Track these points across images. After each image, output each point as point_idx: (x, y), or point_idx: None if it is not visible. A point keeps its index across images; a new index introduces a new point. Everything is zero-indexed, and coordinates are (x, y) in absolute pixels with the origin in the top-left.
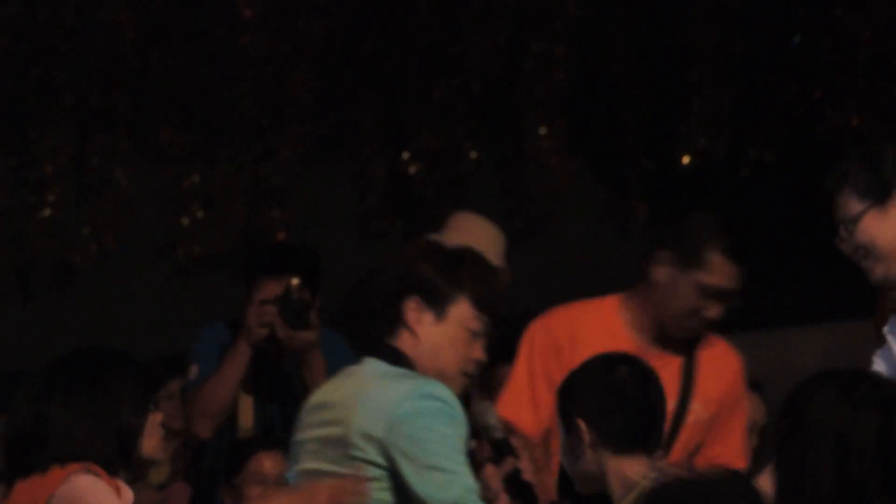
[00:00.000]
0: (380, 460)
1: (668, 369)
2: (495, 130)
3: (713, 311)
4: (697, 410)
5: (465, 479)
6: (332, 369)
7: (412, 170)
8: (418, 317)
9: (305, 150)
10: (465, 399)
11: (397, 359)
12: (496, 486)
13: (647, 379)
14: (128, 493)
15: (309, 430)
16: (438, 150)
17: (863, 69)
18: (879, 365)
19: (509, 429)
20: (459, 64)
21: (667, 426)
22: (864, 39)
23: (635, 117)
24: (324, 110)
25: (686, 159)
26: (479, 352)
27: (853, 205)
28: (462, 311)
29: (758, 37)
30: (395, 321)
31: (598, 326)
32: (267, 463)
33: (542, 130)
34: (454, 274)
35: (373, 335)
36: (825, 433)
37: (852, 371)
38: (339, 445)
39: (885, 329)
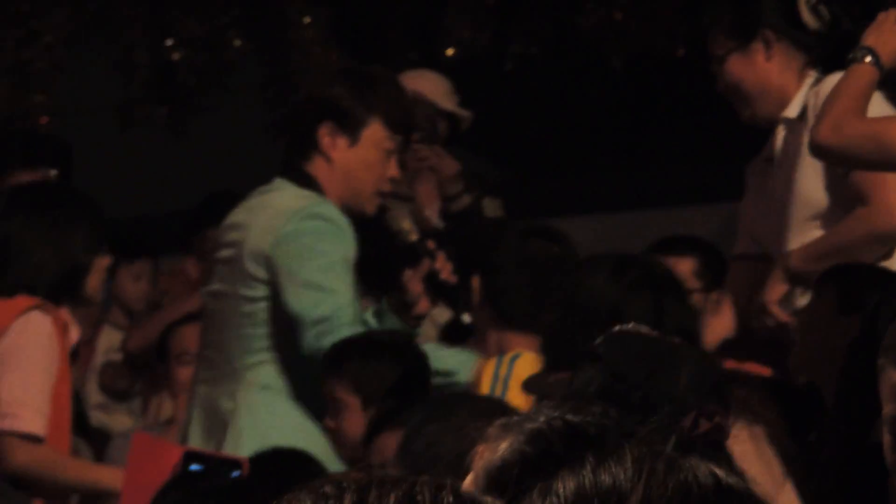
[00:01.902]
0: (266, 276)
1: None
2: (260, 18)
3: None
4: None
5: (340, 298)
6: None
7: (176, 57)
8: (332, 142)
9: (68, 35)
10: (381, 208)
11: (306, 181)
12: (415, 289)
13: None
14: (75, 329)
15: (219, 251)
16: (202, 37)
17: None
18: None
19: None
20: None
21: None
22: None
23: (399, 8)
24: None
25: (450, 51)
26: (393, 169)
27: (720, 44)
28: (375, 133)
29: None
30: (311, 147)
31: None
32: None
33: (307, 19)
34: (366, 97)
35: (288, 159)
36: (598, 313)
37: (622, 254)
38: (235, 265)
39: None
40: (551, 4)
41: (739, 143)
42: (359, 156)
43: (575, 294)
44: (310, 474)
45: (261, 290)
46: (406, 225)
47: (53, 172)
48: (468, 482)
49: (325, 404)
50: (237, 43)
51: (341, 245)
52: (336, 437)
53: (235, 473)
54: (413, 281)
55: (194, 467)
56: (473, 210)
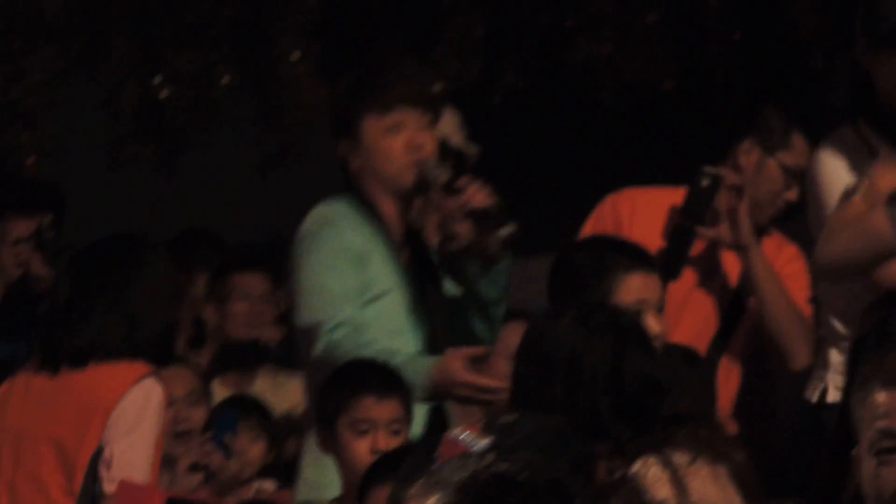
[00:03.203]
0: None
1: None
2: (249, 55)
3: (793, 192)
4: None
5: (330, 296)
6: None
7: (164, 94)
8: (348, 153)
9: (56, 73)
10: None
11: (350, 187)
12: (459, 228)
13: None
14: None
15: None
16: (191, 73)
17: None
18: None
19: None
20: None
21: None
22: None
23: (388, 42)
24: (75, 32)
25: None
26: (413, 136)
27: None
28: (369, 124)
29: None
30: (344, 165)
31: (657, 207)
32: None
33: (296, 55)
34: (351, 96)
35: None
36: (559, 358)
37: (591, 301)
38: None
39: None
40: (540, 37)
41: None
42: (368, 152)
43: (539, 339)
44: None
45: None
46: (435, 171)
47: (48, 218)
48: None
49: None
50: (226, 79)
51: (333, 240)
52: None
53: None
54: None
55: None
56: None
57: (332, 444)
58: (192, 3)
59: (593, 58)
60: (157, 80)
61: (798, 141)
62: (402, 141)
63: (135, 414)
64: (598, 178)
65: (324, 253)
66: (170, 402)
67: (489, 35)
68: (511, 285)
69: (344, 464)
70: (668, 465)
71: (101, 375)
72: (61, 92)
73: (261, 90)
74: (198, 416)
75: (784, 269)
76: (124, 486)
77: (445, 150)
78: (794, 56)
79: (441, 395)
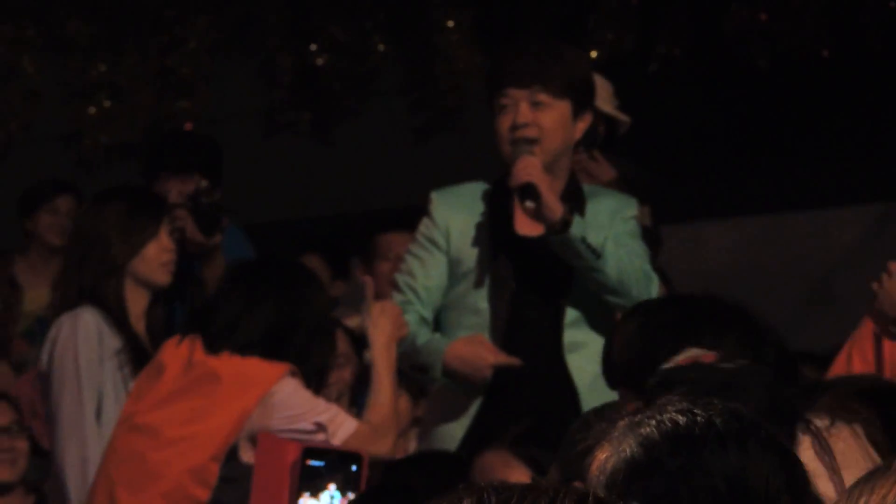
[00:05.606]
0: None
1: None
2: (403, 23)
3: None
4: None
5: (404, 280)
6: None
7: (320, 62)
8: None
9: (212, 41)
10: None
11: None
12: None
13: None
14: None
15: None
16: (346, 42)
17: None
18: None
19: None
20: None
21: None
22: None
23: (542, 11)
24: (231, 1)
25: (594, 53)
26: (514, 119)
27: None
28: (492, 104)
29: None
30: None
31: None
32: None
33: (450, 23)
34: (488, 77)
35: None
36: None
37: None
38: None
39: None
40: (695, 6)
41: (887, 144)
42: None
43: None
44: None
45: None
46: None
47: (204, 183)
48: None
49: None
50: (381, 47)
51: (421, 227)
52: None
53: (354, 467)
54: None
55: (314, 463)
56: None
57: None
58: None
59: (749, 25)
60: (313, 47)
61: None
62: (508, 121)
63: (292, 404)
64: (755, 148)
65: (414, 240)
66: None
67: (644, 4)
68: (679, 248)
69: None
70: (808, 430)
71: (247, 367)
72: (217, 60)
73: (415, 58)
74: (347, 376)
75: None
76: (264, 438)
77: (597, 117)
78: None
79: (454, 375)
